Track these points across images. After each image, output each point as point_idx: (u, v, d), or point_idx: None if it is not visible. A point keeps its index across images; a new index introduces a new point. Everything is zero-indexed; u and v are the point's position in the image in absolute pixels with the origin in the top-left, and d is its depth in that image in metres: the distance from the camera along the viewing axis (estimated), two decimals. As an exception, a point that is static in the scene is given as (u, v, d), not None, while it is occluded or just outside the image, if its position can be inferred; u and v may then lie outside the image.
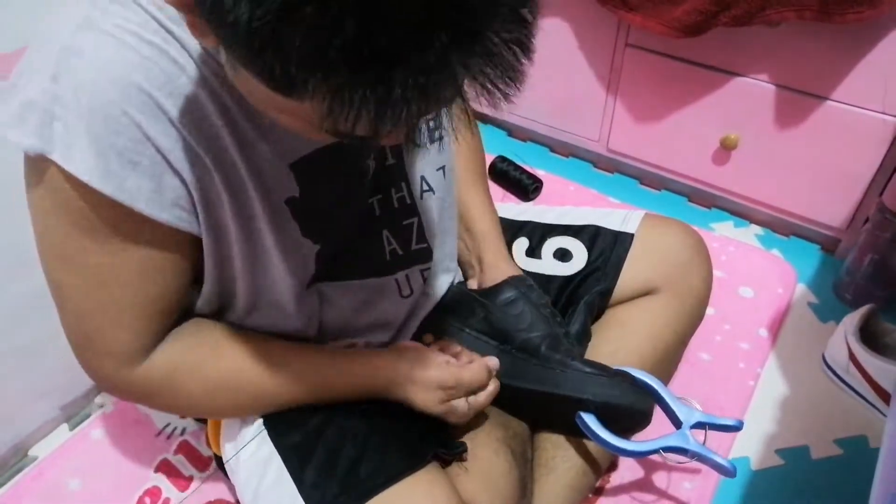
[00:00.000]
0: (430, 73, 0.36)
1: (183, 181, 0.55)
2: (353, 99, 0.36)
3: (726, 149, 1.28)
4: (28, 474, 0.95)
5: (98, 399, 1.05)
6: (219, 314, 0.69)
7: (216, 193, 0.58)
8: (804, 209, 1.29)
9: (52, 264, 0.58)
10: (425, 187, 0.75)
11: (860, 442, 1.00)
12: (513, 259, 0.86)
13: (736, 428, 0.79)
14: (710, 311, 0.93)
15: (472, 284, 0.85)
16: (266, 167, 0.59)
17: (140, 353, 0.62)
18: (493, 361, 0.74)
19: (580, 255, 0.88)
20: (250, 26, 0.35)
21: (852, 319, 1.04)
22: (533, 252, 0.90)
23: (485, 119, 1.67)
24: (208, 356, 0.65)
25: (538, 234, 0.91)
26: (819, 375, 1.09)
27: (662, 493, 0.93)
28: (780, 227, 1.38)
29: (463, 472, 0.72)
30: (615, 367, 0.77)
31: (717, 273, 0.94)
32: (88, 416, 1.03)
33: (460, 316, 0.78)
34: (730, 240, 1.34)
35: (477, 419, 0.76)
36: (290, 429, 0.71)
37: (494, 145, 1.57)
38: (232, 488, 0.89)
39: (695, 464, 0.79)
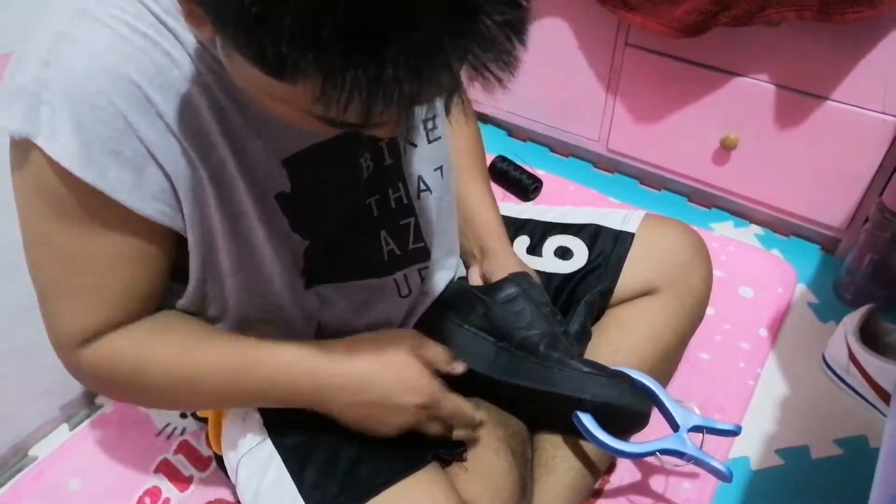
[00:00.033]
0: (421, 53, 0.36)
1: (166, 175, 0.55)
2: (344, 79, 0.37)
3: (726, 149, 1.28)
4: (28, 474, 0.95)
5: (98, 399, 1.05)
6: (211, 320, 0.69)
7: (202, 188, 0.58)
8: (804, 209, 1.29)
9: (28, 242, 0.59)
10: (423, 187, 0.75)
11: (860, 442, 1.00)
12: (513, 250, 0.86)
13: (734, 433, 0.79)
14: (710, 311, 0.93)
15: (474, 273, 0.84)
16: (257, 163, 0.59)
17: (90, 337, 0.61)
18: (479, 414, 0.71)
19: (581, 254, 0.88)
20: (241, 6, 0.35)
21: (852, 319, 1.04)
22: (534, 250, 0.90)
23: (485, 119, 1.67)
24: (151, 345, 0.63)
25: (539, 232, 0.91)
26: (819, 375, 1.09)
27: (662, 494, 0.93)
28: (780, 227, 1.38)
29: (463, 472, 0.71)
30: (614, 368, 0.77)
31: (717, 273, 0.94)
32: (88, 416, 1.03)
33: (460, 312, 0.78)
34: (730, 240, 1.34)
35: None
36: (290, 429, 0.71)
37: (494, 145, 1.57)
38: (232, 488, 0.89)
39: (691, 467, 0.79)
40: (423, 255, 0.77)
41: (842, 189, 1.22)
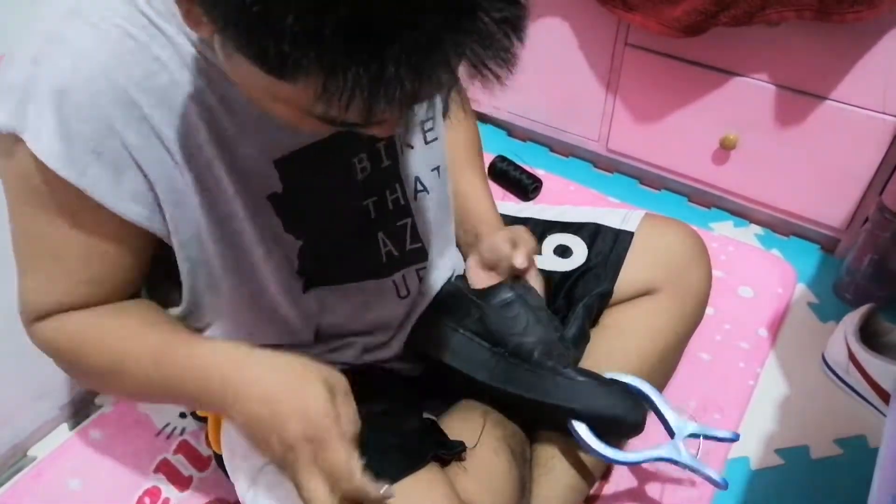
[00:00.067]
0: (422, 51, 0.36)
1: (147, 178, 0.56)
2: (346, 77, 0.37)
3: (726, 149, 1.28)
4: (28, 474, 0.95)
5: (98, 399, 1.05)
6: (208, 324, 0.69)
7: (186, 192, 0.58)
8: (804, 209, 1.29)
9: (12, 217, 0.60)
10: (420, 188, 0.75)
11: (860, 442, 1.00)
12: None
13: (731, 440, 0.79)
14: (709, 310, 0.93)
15: (472, 262, 0.84)
16: (248, 165, 0.60)
17: (45, 315, 0.62)
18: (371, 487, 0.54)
19: (580, 252, 0.88)
20: (242, 4, 0.35)
21: (852, 319, 1.04)
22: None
23: (485, 119, 1.67)
24: (94, 327, 0.63)
25: (538, 231, 0.91)
26: (819, 375, 1.09)
27: (661, 495, 0.93)
28: (780, 226, 1.38)
29: (462, 471, 0.71)
30: (609, 375, 0.77)
31: (716, 273, 0.94)
32: (88, 416, 1.03)
33: (455, 316, 0.78)
34: (729, 240, 1.34)
35: (476, 419, 0.76)
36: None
37: (494, 145, 1.57)
38: (232, 488, 0.89)
39: (687, 473, 0.79)
40: (421, 255, 0.77)
41: (842, 189, 1.22)
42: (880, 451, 0.61)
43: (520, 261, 0.76)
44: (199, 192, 0.59)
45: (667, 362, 0.89)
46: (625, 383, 0.77)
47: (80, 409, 1.04)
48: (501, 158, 1.50)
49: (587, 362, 0.82)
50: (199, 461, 0.97)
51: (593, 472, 0.83)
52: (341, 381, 0.58)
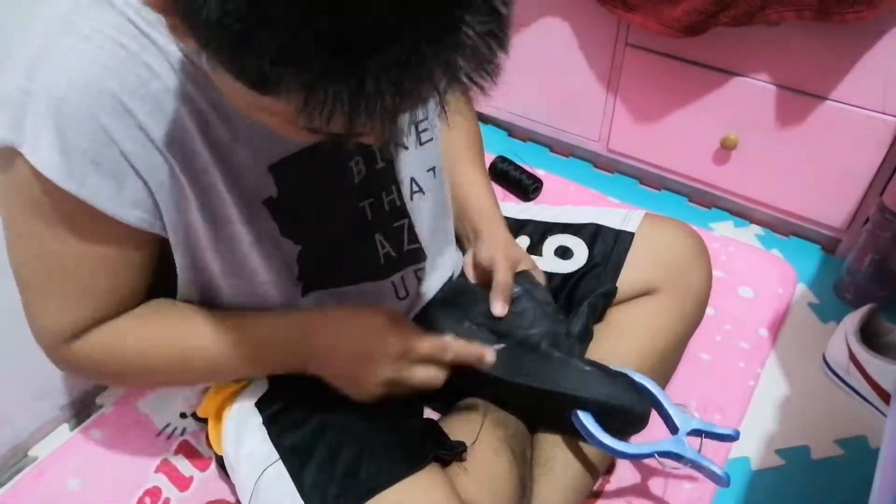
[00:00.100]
0: (402, 66, 0.36)
1: (145, 184, 0.57)
2: (326, 93, 0.37)
3: (726, 149, 1.28)
4: (28, 474, 0.95)
5: (98, 399, 1.05)
6: None
7: (183, 196, 0.59)
8: (804, 209, 1.29)
9: (12, 240, 0.60)
10: (415, 188, 0.75)
11: (860, 442, 1.00)
12: (508, 234, 0.85)
13: (732, 438, 0.79)
14: (709, 311, 0.93)
15: (469, 258, 0.84)
16: (243, 170, 0.60)
17: (75, 333, 0.63)
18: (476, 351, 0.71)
19: (581, 253, 0.88)
20: (222, 23, 0.35)
21: (852, 319, 1.04)
22: (533, 250, 0.90)
23: (485, 119, 1.67)
24: (140, 326, 0.66)
25: (539, 232, 0.92)
26: (819, 375, 1.09)
27: (662, 494, 0.93)
28: (780, 227, 1.38)
29: (462, 471, 0.71)
30: (615, 368, 0.77)
31: (716, 273, 0.94)
32: (89, 416, 1.03)
33: (462, 307, 0.78)
34: (730, 240, 1.34)
35: (476, 419, 0.76)
36: (290, 429, 0.71)
37: (494, 145, 1.57)
38: (232, 488, 0.89)
39: (688, 470, 0.79)
40: (420, 256, 0.77)
41: (842, 189, 1.21)
42: (881, 452, 0.61)
43: (498, 310, 0.77)
44: (196, 198, 0.59)
45: (667, 362, 0.89)
46: (630, 377, 0.77)
47: (80, 410, 1.04)
48: (502, 159, 1.50)
49: (587, 362, 0.82)
50: (199, 461, 0.97)
51: (594, 472, 0.83)
52: (395, 308, 0.74)
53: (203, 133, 0.57)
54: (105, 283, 0.62)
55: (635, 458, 0.77)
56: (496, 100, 1.56)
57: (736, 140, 1.26)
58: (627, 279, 0.86)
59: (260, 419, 0.72)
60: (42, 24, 0.54)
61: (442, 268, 0.82)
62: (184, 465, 0.96)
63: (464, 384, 0.75)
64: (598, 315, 0.86)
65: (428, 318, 0.79)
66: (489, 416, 0.77)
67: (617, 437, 0.74)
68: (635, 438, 0.77)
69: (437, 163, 0.77)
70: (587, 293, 0.85)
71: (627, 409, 0.74)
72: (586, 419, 0.73)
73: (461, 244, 0.88)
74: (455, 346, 0.70)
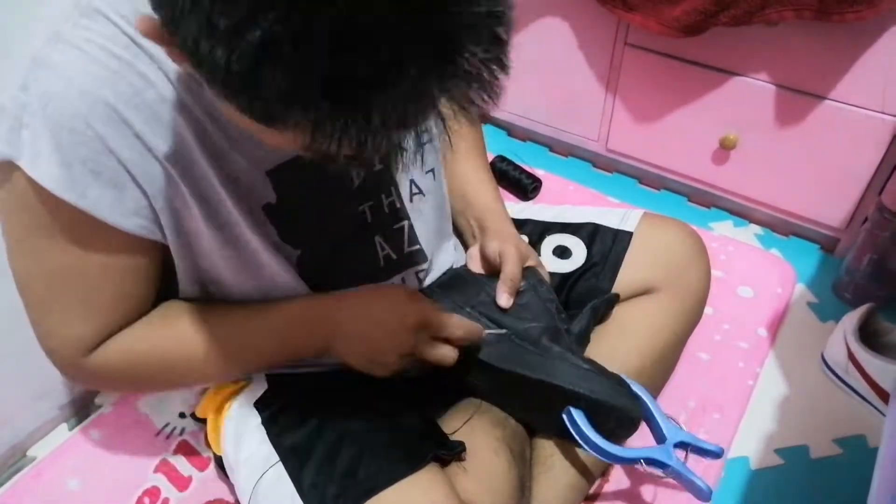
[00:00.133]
0: (407, 99, 0.37)
1: (144, 192, 0.57)
2: (333, 128, 0.37)
3: (725, 148, 1.28)
4: (27, 474, 0.95)
5: (97, 399, 1.05)
6: None
7: (183, 203, 0.59)
8: (803, 209, 1.29)
9: (15, 257, 0.60)
10: (415, 190, 0.75)
11: (859, 441, 1.00)
12: (514, 230, 0.85)
13: (717, 455, 0.79)
14: (708, 310, 0.93)
15: (473, 252, 0.84)
16: (241, 175, 0.61)
17: (93, 345, 0.63)
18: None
19: (579, 253, 0.88)
20: (228, 69, 0.36)
21: (851, 319, 1.04)
22: (532, 249, 0.90)
23: (485, 119, 1.67)
24: (157, 330, 0.66)
25: (537, 231, 0.92)
26: (818, 375, 1.09)
27: (661, 496, 0.92)
28: (780, 226, 1.38)
29: (462, 471, 0.71)
30: (612, 371, 0.77)
31: (716, 273, 0.94)
32: (88, 416, 1.03)
33: (464, 293, 0.78)
34: (729, 239, 1.34)
35: (476, 418, 0.76)
36: (289, 429, 0.71)
37: (494, 145, 1.57)
38: (231, 488, 0.89)
39: (670, 481, 0.79)
40: (421, 257, 0.77)
41: (841, 188, 1.22)
42: (880, 451, 0.61)
43: (503, 301, 0.76)
44: (198, 204, 0.59)
45: (666, 362, 0.89)
46: (625, 382, 0.77)
47: (79, 409, 1.04)
48: (501, 158, 1.50)
49: (586, 361, 0.82)
50: (198, 461, 0.97)
51: (593, 471, 0.84)
52: (411, 287, 0.76)
53: (200, 141, 0.57)
54: (110, 291, 0.61)
55: (622, 462, 0.77)
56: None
57: (735, 140, 1.26)
58: (626, 279, 0.86)
59: (259, 419, 0.72)
60: (35, 36, 0.54)
61: (443, 265, 0.82)
62: (183, 465, 0.96)
63: (462, 372, 0.75)
64: (598, 318, 0.86)
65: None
66: (488, 415, 0.77)
67: (606, 438, 0.74)
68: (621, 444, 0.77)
69: (437, 165, 0.77)
70: (586, 293, 0.85)
71: (622, 410, 0.74)
72: (579, 417, 0.73)
73: (463, 240, 0.88)
74: (465, 321, 0.70)
